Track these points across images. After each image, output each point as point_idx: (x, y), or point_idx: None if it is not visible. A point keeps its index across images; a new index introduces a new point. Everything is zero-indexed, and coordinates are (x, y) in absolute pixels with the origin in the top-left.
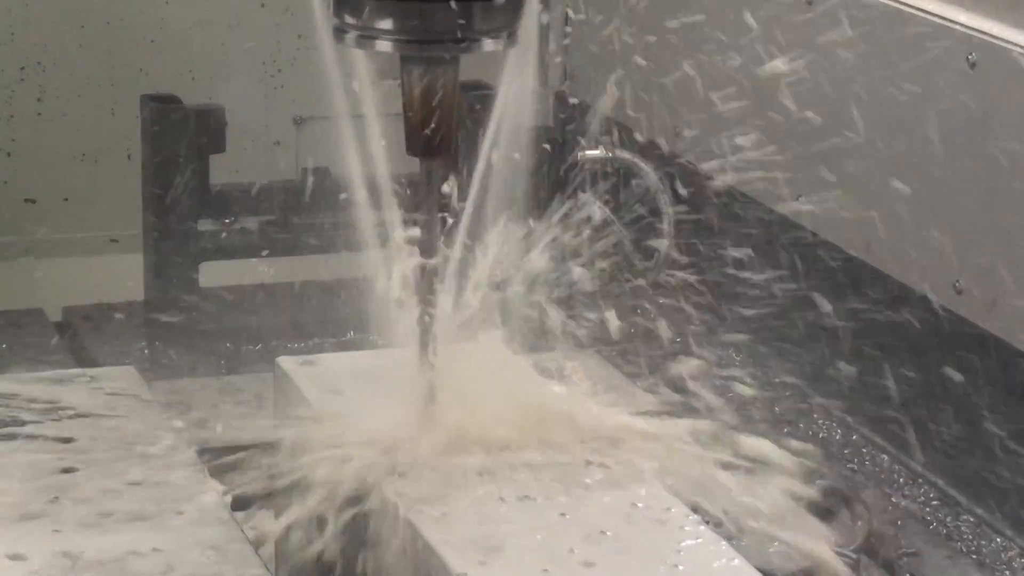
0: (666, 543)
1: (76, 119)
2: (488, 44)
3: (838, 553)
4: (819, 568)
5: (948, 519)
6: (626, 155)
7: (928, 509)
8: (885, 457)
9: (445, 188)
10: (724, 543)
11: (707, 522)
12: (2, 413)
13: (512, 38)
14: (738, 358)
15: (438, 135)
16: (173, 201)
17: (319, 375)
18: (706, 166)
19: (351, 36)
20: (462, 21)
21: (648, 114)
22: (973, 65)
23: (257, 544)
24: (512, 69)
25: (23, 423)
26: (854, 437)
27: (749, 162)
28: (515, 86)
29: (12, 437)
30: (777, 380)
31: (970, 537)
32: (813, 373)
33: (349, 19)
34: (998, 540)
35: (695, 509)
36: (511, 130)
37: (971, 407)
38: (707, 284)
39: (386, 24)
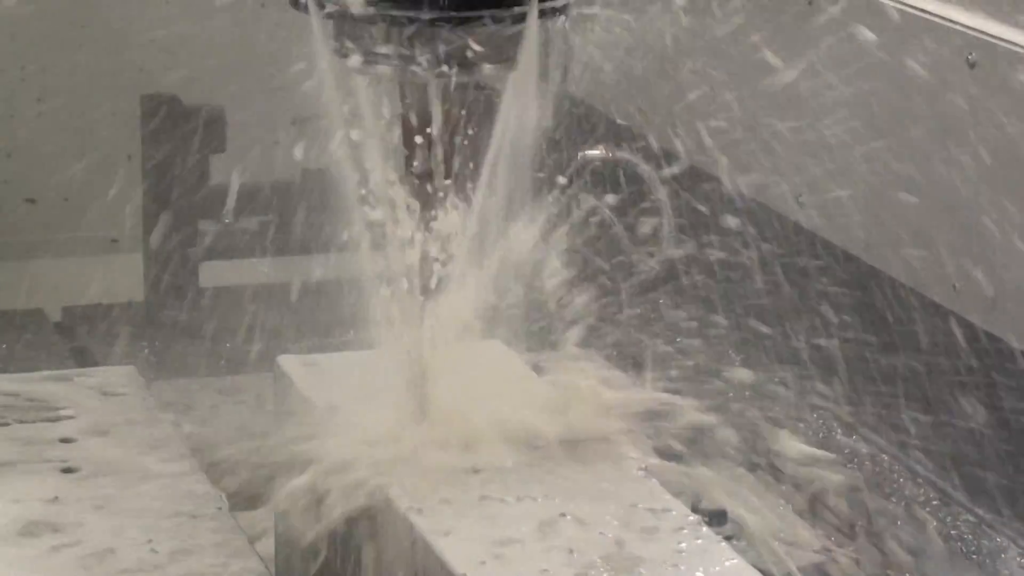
0: (666, 543)
1: (76, 119)
2: (488, 69)
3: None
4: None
5: (948, 519)
6: (626, 155)
7: (928, 509)
8: (885, 457)
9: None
10: (724, 543)
11: (707, 522)
12: (2, 413)
13: (513, 61)
14: (738, 358)
15: (438, 158)
16: (173, 201)
17: (319, 375)
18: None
19: (351, 60)
20: (465, 47)
21: (646, 115)
22: (973, 65)
23: (256, 542)
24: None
25: (23, 423)
26: (853, 437)
27: (747, 161)
28: (516, 87)
29: (12, 437)
30: (777, 379)
31: (970, 537)
32: (814, 372)
33: (348, 43)
34: (998, 540)
35: (695, 509)
36: (513, 131)
37: (970, 406)
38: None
39: (386, 49)
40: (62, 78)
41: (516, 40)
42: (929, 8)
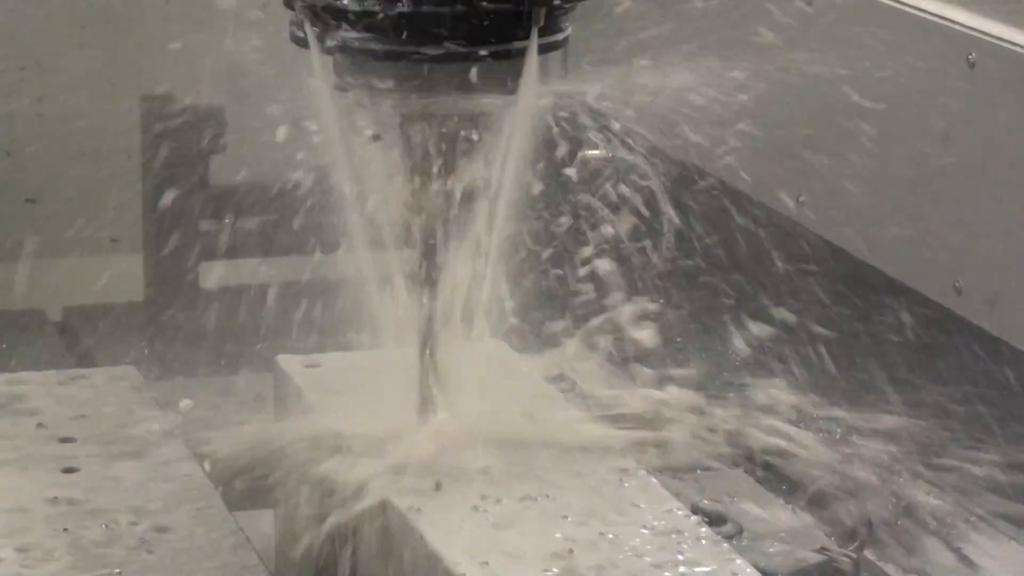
0: (666, 544)
1: (76, 119)
2: (488, 100)
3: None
4: None
5: (948, 518)
6: (626, 155)
7: (928, 509)
8: (885, 457)
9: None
10: (725, 543)
11: (708, 523)
12: (2, 413)
13: (514, 91)
14: (737, 360)
15: (439, 190)
16: (173, 201)
17: (319, 375)
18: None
19: (352, 93)
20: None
21: (644, 113)
22: (973, 65)
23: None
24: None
25: (23, 423)
26: (853, 437)
27: (749, 161)
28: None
29: (12, 437)
30: (775, 379)
31: (968, 537)
32: (813, 371)
33: (349, 77)
34: (998, 539)
35: (695, 510)
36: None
37: (971, 406)
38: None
39: (387, 83)
40: (62, 78)
41: (515, 71)
42: (929, 8)
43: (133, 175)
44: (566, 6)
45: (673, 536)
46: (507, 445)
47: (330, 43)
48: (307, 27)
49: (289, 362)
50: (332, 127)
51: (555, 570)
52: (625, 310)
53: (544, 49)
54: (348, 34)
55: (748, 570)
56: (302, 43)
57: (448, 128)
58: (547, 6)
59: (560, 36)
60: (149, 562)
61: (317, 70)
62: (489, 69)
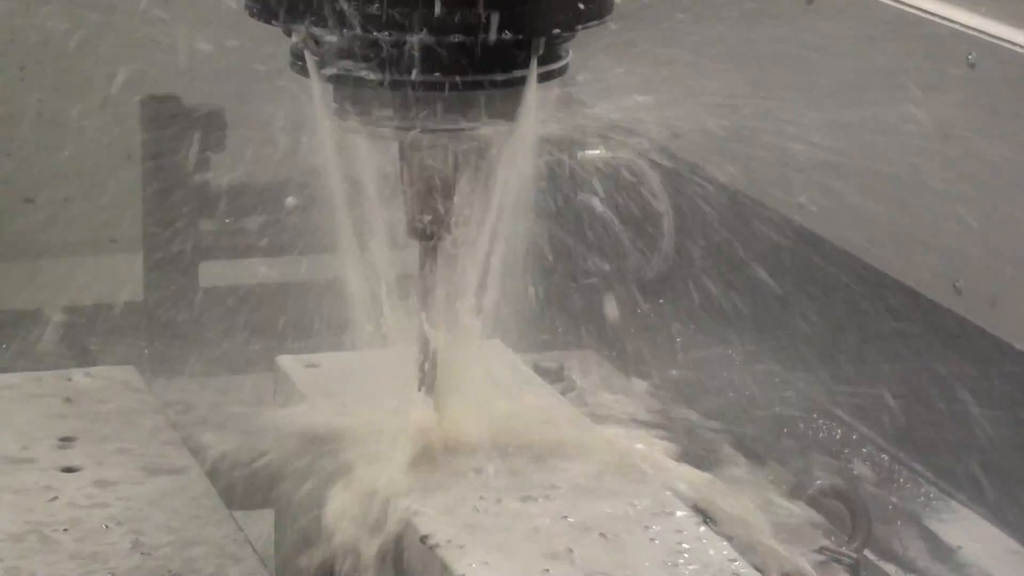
0: (666, 543)
1: (76, 119)
2: (488, 128)
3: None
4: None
5: (945, 518)
6: (626, 155)
7: (927, 509)
8: (885, 457)
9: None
10: (724, 543)
11: (708, 523)
12: (2, 413)
13: (514, 120)
14: (738, 359)
15: (440, 218)
16: (173, 201)
17: (319, 375)
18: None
19: (351, 121)
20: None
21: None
22: (973, 65)
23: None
24: None
25: (23, 423)
26: (854, 437)
27: (750, 161)
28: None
29: (12, 437)
30: (777, 379)
31: (965, 537)
32: (811, 373)
33: (349, 106)
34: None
35: (696, 510)
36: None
37: (971, 407)
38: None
39: (386, 112)
40: (62, 78)
41: (515, 99)
42: (929, 8)
43: (133, 175)
44: (565, 34)
45: (673, 536)
46: (507, 445)
47: (328, 72)
48: (307, 56)
49: (289, 362)
50: (331, 144)
51: (555, 570)
52: None
53: (544, 77)
54: (346, 63)
55: (748, 571)
56: (302, 72)
57: (448, 154)
58: (546, 35)
59: (559, 64)
60: (147, 563)
61: (317, 98)
62: (491, 98)
